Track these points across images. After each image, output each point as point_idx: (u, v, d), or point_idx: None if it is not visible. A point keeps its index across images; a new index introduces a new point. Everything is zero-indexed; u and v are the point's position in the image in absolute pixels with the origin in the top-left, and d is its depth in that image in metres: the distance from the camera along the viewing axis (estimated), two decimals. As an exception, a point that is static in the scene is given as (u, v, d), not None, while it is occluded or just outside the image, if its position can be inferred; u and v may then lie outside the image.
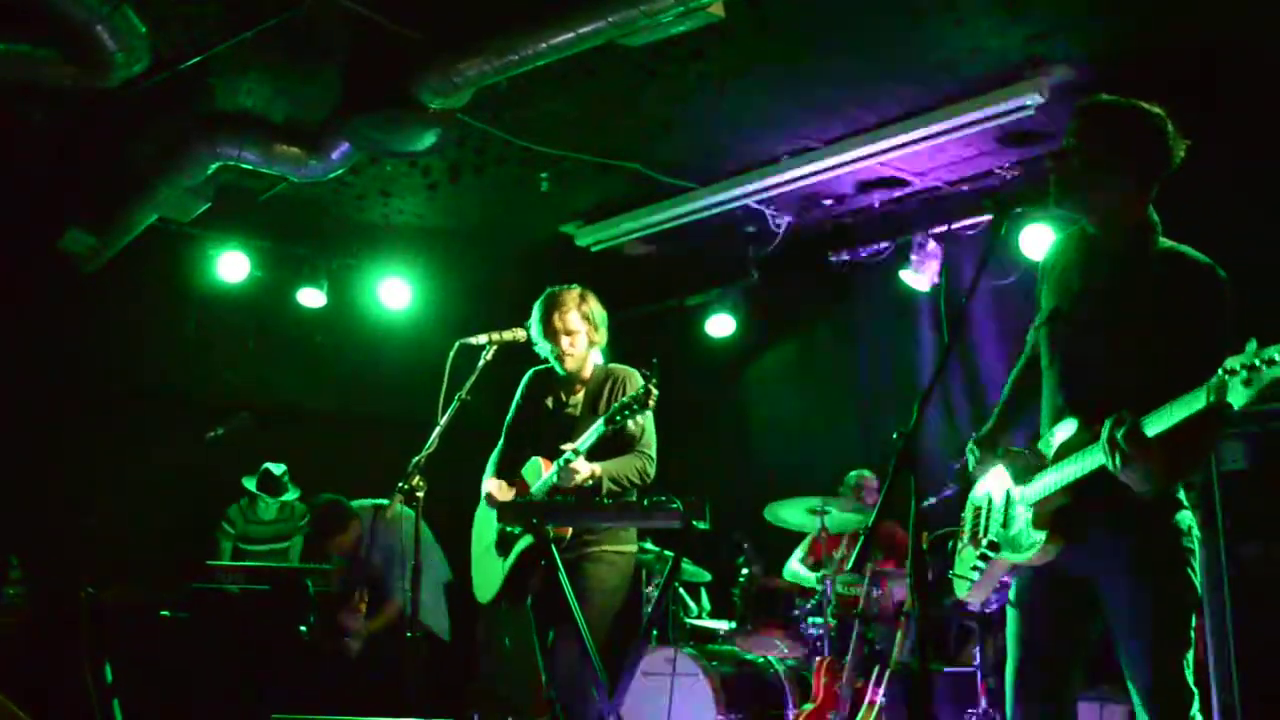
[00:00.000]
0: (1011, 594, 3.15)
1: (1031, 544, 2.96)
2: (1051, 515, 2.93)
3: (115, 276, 7.00)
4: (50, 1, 4.44)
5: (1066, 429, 2.94)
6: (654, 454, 4.48)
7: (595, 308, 4.61)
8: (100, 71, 4.84)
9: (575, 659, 4.17)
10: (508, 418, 4.76)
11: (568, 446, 4.26)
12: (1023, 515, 3.02)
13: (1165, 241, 3.00)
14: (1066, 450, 2.91)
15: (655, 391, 4.07)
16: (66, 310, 7.17)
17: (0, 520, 6.45)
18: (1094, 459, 2.78)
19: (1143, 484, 2.73)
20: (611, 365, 4.66)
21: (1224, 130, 5.23)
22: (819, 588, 6.03)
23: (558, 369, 4.60)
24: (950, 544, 3.40)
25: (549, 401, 4.64)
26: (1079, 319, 3.04)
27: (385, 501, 6.27)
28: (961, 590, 3.26)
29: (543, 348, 4.59)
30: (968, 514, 3.32)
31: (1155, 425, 2.63)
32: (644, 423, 4.43)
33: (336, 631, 6.14)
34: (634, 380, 4.51)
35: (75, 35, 4.62)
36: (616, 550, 4.43)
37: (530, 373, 4.76)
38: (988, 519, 3.20)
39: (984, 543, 3.15)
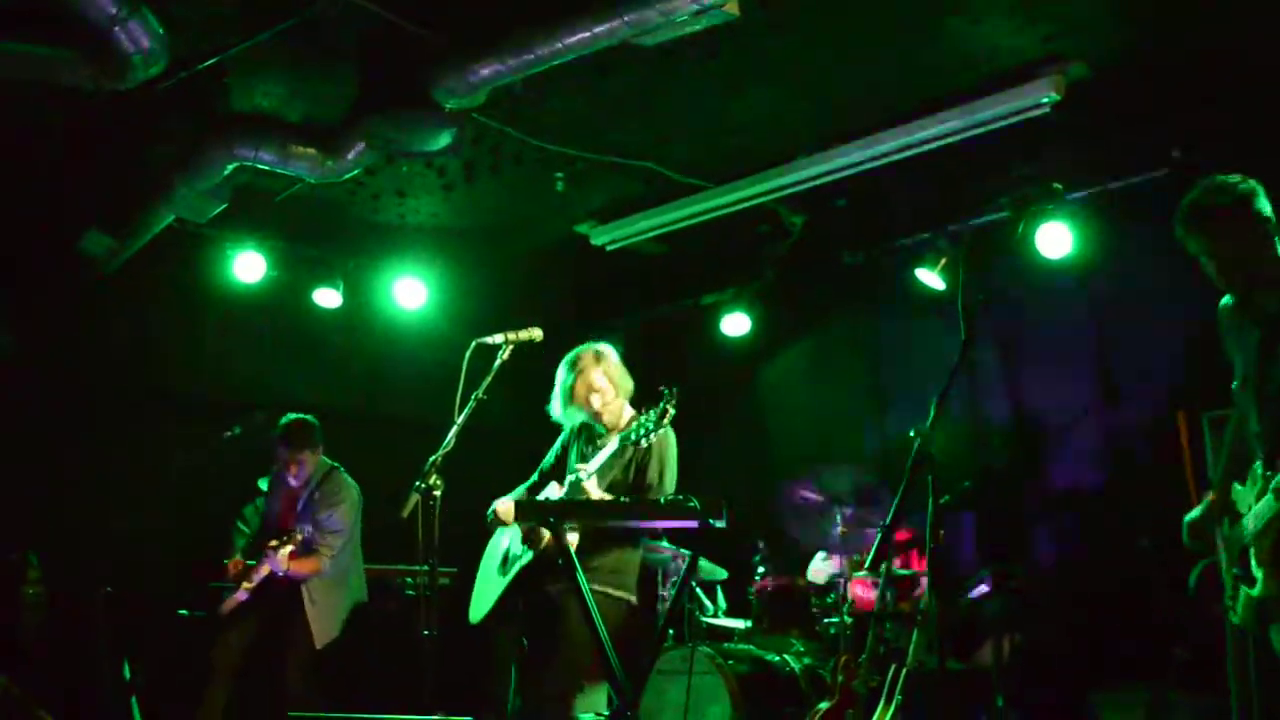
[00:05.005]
0: (1236, 617, 3.10)
1: (1257, 578, 2.93)
2: (1270, 550, 2.90)
3: (132, 277, 7.02)
4: (69, 4, 4.45)
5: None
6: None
7: (614, 365, 4.64)
8: (118, 73, 4.86)
9: (551, 679, 4.19)
10: (545, 460, 4.82)
11: (582, 467, 4.26)
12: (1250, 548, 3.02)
13: None
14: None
15: (672, 410, 4.06)
16: (84, 311, 7.20)
17: (19, 519, 6.49)
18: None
19: None
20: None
21: (1234, 130, 5.22)
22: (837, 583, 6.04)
23: (598, 428, 4.63)
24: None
25: (584, 445, 4.70)
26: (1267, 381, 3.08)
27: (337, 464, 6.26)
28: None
29: (573, 416, 4.60)
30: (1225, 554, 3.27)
31: None
32: (662, 468, 4.44)
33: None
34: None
35: (94, 37, 4.63)
36: (605, 591, 4.36)
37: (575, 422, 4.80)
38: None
39: (1234, 571, 3.14)
